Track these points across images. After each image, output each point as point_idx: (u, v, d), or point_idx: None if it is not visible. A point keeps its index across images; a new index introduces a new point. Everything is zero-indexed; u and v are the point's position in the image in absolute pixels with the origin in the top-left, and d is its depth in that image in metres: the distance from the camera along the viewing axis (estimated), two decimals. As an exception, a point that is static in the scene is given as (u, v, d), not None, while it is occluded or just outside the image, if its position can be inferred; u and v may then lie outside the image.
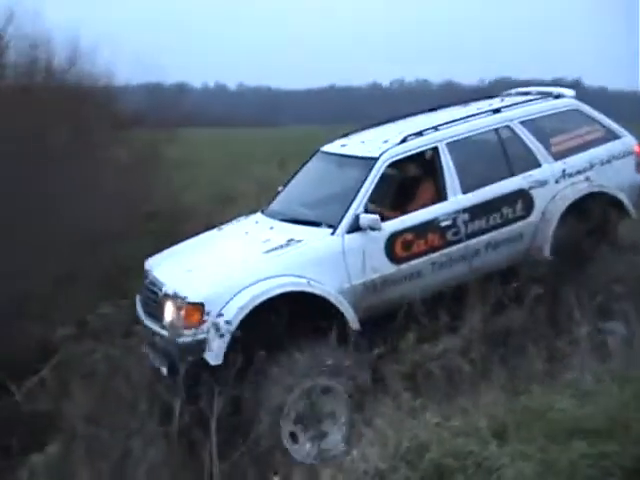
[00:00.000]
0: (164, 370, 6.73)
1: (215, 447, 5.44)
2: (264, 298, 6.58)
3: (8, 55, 12.84)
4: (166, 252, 8.19)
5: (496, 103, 8.71)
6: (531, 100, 8.66)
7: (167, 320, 6.85)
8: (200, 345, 6.47)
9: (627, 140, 8.65)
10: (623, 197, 8.22)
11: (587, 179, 8.20)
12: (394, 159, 7.67)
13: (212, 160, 20.36)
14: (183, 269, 7.41)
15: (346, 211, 7.28)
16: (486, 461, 4.35)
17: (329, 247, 7.15)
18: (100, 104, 13.94)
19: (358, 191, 7.39)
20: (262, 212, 8.49)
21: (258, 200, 10.31)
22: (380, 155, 7.61)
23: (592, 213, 7.79)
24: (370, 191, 7.41)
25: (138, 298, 7.73)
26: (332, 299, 6.81)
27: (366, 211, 7.26)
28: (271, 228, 7.76)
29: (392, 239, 7.30)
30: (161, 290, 7.11)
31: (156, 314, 7.12)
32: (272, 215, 8.21)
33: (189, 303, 6.67)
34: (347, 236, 7.17)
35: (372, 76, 73.83)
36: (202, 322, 6.53)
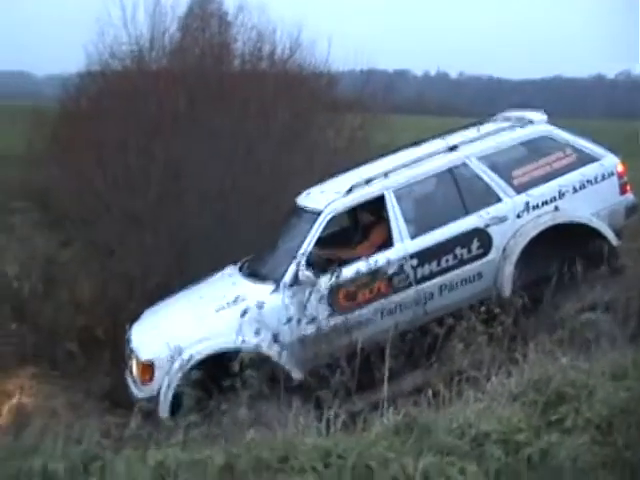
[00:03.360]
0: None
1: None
2: (198, 358, 7.00)
3: (237, 44, 14.30)
4: (159, 305, 8.53)
5: (470, 133, 8.39)
6: (494, 131, 8.29)
7: (133, 375, 7.48)
8: (154, 400, 7.04)
9: (607, 161, 8.10)
10: (597, 224, 7.77)
11: (556, 209, 7.82)
12: (338, 211, 7.78)
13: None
14: (151, 326, 7.92)
15: (288, 266, 7.46)
16: (596, 390, 5.25)
17: (270, 303, 7.33)
18: (318, 90, 15.08)
19: (301, 245, 7.58)
20: (241, 265, 8.59)
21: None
22: (324, 208, 7.73)
23: (561, 244, 7.50)
24: (312, 245, 7.56)
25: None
26: (267, 353, 7.05)
27: (308, 263, 7.42)
28: (233, 284, 7.96)
29: (335, 290, 7.38)
30: (129, 345, 7.73)
31: (129, 367, 7.69)
32: (242, 268, 8.41)
33: (142, 361, 7.27)
34: (288, 291, 7.37)
35: (598, 68, 71.60)
36: (153, 379, 7.13)
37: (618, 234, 7.90)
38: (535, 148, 8.14)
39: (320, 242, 7.78)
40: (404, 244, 7.59)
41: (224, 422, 5.59)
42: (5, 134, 18.52)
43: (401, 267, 7.51)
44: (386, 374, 6.23)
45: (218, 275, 8.56)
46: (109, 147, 12.20)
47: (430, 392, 5.78)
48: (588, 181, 7.95)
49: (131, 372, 7.55)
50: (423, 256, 7.55)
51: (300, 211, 8.27)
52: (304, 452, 4.51)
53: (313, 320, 7.23)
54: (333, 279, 7.37)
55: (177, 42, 14.03)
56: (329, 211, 7.71)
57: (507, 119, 8.66)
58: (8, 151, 17.31)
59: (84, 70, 14.41)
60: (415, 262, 7.52)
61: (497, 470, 4.49)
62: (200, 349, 7.08)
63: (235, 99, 12.64)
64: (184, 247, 11.52)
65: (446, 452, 4.62)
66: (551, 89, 64.39)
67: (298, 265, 7.40)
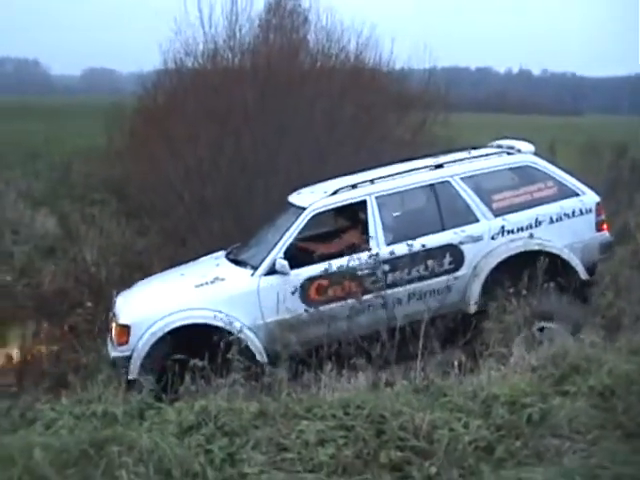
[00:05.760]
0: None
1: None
2: (171, 327, 7.48)
3: (308, 42, 14.95)
4: (150, 278, 9.21)
5: (460, 155, 8.69)
6: (482, 156, 8.63)
7: (112, 336, 7.93)
8: (127, 361, 7.48)
9: (586, 198, 8.39)
10: (569, 256, 8.05)
11: (531, 236, 8.09)
12: (320, 210, 8.17)
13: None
14: (135, 294, 8.49)
15: (267, 255, 7.93)
16: (606, 364, 5.74)
17: (246, 287, 7.82)
18: (386, 87, 15.57)
19: (282, 237, 8.04)
20: (229, 250, 9.04)
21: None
22: (308, 206, 8.19)
23: (530, 270, 7.61)
24: (293, 238, 8.00)
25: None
26: (234, 331, 7.31)
27: (286, 256, 7.82)
28: (217, 265, 8.47)
29: (307, 283, 7.79)
30: (113, 309, 8.25)
31: (110, 329, 8.15)
32: (229, 254, 8.85)
33: (119, 324, 7.76)
34: (264, 278, 7.81)
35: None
36: (128, 341, 7.58)
37: (591, 268, 8.26)
38: (518, 176, 8.45)
39: (308, 239, 8.38)
40: (379, 249, 7.97)
41: (265, 381, 6.18)
42: (91, 129, 19.43)
43: (373, 270, 7.87)
44: (419, 350, 6.78)
45: (207, 257, 9.18)
46: (182, 140, 12.94)
47: (456, 364, 6.33)
48: (565, 214, 8.26)
49: (110, 333, 8.06)
50: (396, 263, 7.90)
51: (289, 207, 8.71)
52: (328, 403, 5.14)
53: (286, 308, 7.68)
54: (313, 271, 7.82)
55: (252, 40, 14.65)
56: (312, 209, 8.16)
57: (499, 146, 9.00)
58: (94, 145, 18.28)
59: (161, 67, 15.19)
60: (387, 267, 7.87)
61: (499, 425, 5.02)
62: (173, 319, 7.58)
63: (304, 95, 13.24)
64: (250, 234, 12.17)
65: (456, 410, 5.18)
66: (636, 87, 63.26)
67: (276, 254, 7.88)
